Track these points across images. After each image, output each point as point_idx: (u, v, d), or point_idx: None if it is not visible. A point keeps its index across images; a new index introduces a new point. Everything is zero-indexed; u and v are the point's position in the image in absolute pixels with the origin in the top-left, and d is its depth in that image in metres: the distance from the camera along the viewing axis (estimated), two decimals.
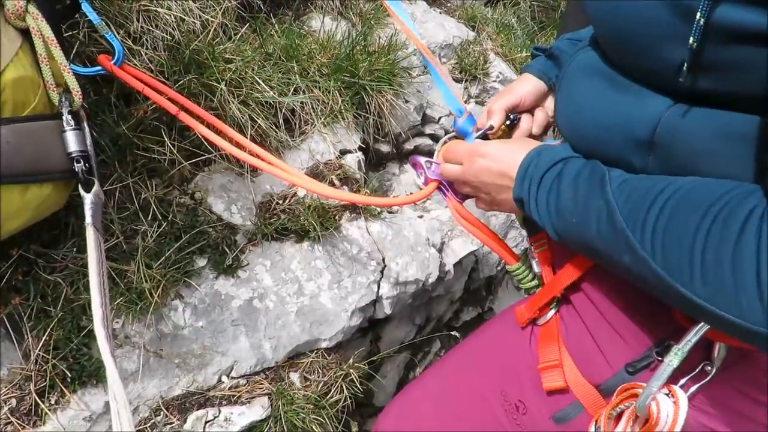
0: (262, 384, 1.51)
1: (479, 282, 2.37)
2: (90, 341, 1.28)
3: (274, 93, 1.65)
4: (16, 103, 0.96)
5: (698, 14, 0.59)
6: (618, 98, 0.76)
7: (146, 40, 1.44)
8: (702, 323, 0.73)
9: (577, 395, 0.89)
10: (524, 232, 2.43)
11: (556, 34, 3.16)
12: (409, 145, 2.17)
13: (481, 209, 1.06)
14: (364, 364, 1.73)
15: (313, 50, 1.85)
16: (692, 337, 0.74)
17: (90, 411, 1.26)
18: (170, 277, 1.40)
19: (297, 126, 1.78)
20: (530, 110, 1.13)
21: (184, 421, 1.38)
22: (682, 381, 0.77)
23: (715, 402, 0.79)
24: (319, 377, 1.59)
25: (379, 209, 1.83)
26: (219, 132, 1.32)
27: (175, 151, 1.46)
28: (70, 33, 1.30)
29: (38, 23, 0.98)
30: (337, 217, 1.72)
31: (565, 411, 0.91)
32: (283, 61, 1.75)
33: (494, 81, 2.55)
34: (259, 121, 1.62)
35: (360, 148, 1.90)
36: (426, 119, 2.22)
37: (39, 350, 1.23)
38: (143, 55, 1.43)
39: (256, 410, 1.45)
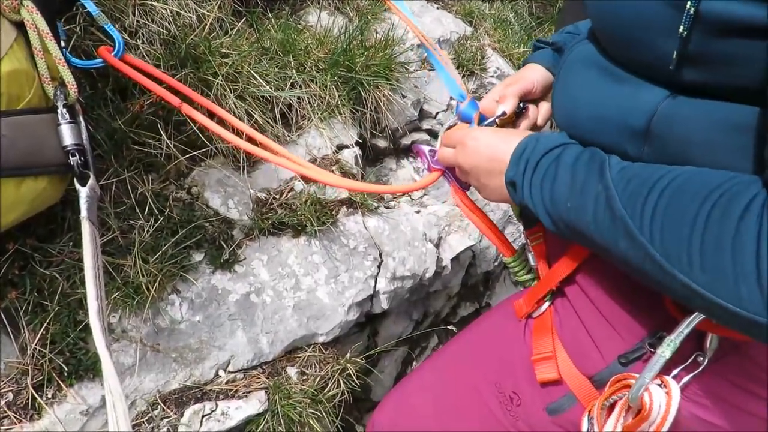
0: (259, 378, 1.51)
1: (476, 277, 2.38)
2: (87, 335, 1.28)
3: (271, 88, 1.65)
4: (10, 96, 0.95)
5: (689, 3, 0.59)
6: (615, 89, 0.76)
7: (142, 34, 1.44)
8: (694, 314, 0.73)
9: (570, 387, 0.89)
10: (521, 228, 2.44)
11: (553, 30, 3.16)
12: (406, 141, 2.17)
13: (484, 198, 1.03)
14: (362, 359, 1.73)
15: (310, 45, 1.85)
16: (684, 329, 0.74)
17: (87, 405, 1.26)
18: (167, 271, 1.40)
19: (294, 121, 1.78)
20: (537, 100, 1.12)
21: (181, 415, 1.38)
22: (675, 372, 0.77)
23: (708, 393, 0.79)
24: (316, 372, 1.60)
25: (376, 204, 1.84)
26: (222, 121, 1.32)
27: (171, 146, 1.46)
28: (67, 27, 1.30)
29: (33, 16, 0.98)
30: (334, 212, 1.72)
31: (559, 402, 0.91)
32: (279, 55, 1.75)
33: (492, 76, 2.55)
34: (255, 116, 1.62)
35: (357, 144, 1.90)
36: (423, 114, 2.22)
37: (36, 344, 1.23)
38: (140, 49, 1.43)
39: (253, 404, 1.46)
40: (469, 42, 2.57)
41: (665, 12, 0.63)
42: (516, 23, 3.07)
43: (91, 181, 1.06)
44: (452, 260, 1.96)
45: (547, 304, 0.98)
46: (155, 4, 1.46)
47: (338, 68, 1.82)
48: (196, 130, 1.48)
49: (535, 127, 1.10)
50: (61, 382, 1.25)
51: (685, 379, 0.77)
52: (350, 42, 1.88)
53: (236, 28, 1.71)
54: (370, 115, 1.94)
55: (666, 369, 0.76)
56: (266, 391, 1.49)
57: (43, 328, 1.24)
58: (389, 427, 1.25)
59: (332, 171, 1.77)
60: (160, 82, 1.31)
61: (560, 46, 1.10)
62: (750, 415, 0.80)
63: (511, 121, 1.10)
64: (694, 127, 0.67)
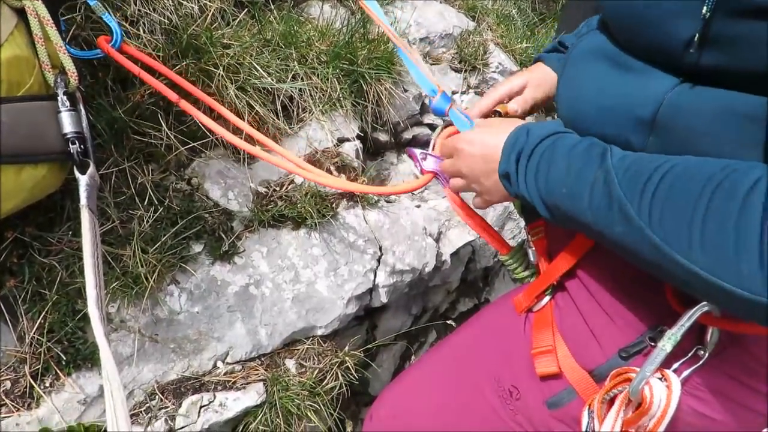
0: (257, 370, 1.51)
1: (476, 273, 2.38)
2: (85, 325, 1.28)
3: (272, 79, 1.64)
4: (10, 82, 0.95)
5: None
6: (621, 79, 0.76)
7: (143, 23, 1.43)
8: (696, 308, 0.73)
9: (570, 380, 0.89)
10: (521, 224, 2.44)
11: (556, 26, 3.15)
12: (407, 135, 2.17)
13: (479, 207, 1.04)
14: (360, 353, 1.74)
15: (312, 37, 1.84)
16: (686, 322, 0.74)
17: (84, 394, 1.26)
18: (166, 262, 1.40)
19: (295, 113, 1.77)
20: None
21: (179, 406, 1.38)
22: (675, 365, 0.77)
23: (708, 387, 0.79)
24: (314, 364, 1.60)
25: (376, 198, 1.83)
26: (220, 118, 1.32)
27: (171, 137, 1.46)
28: (68, 16, 1.29)
29: (34, 3, 0.97)
30: (334, 205, 1.72)
31: (559, 396, 0.91)
32: (281, 47, 1.74)
33: (494, 71, 2.54)
34: (257, 108, 1.61)
35: (358, 137, 1.89)
36: (425, 109, 2.21)
37: (34, 333, 1.23)
38: (141, 38, 1.42)
39: (251, 396, 1.46)
40: (471, 37, 2.56)
41: None
42: (519, 19, 3.06)
43: (91, 169, 1.05)
44: (452, 255, 1.96)
45: (547, 298, 0.98)
46: None
47: (340, 61, 1.82)
48: (197, 121, 1.47)
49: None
50: (59, 371, 1.25)
51: (686, 372, 0.77)
52: (352, 35, 1.87)
53: (238, 19, 1.70)
54: (372, 108, 1.93)
55: (666, 362, 0.76)
56: (264, 383, 1.49)
57: (41, 316, 1.24)
58: (388, 419, 1.26)
59: (333, 164, 1.76)
60: (159, 74, 1.30)
61: (568, 45, 1.11)
62: (749, 410, 0.80)
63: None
64: (700, 117, 0.67)
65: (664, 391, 0.75)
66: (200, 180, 1.54)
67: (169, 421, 1.36)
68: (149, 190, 1.42)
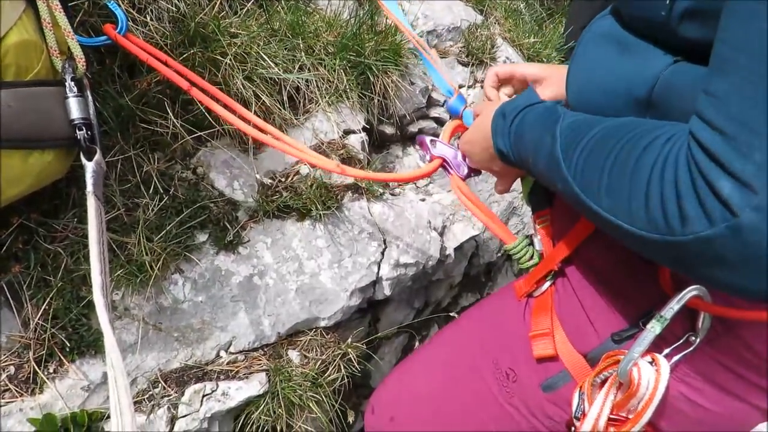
0: (260, 360, 1.51)
1: (479, 267, 2.37)
2: (89, 312, 1.28)
3: (279, 69, 1.64)
4: (18, 67, 0.95)
5: None
6: (624, 61, 0.77)
7: (151, 10, 1.43)
8: (685, 290, 0.74)
9: (565, 363, 0.90)
10: (525, 220, 2.43)
11: (564, 21, 3.13)
12: (413, 128, 2.16)
13: (500, 192, 1.12)
14: (363, 345, 1.74)
15: (320, 28, 1.83)
16: (674, 305, 0.74)
17: (88, 381, 1.27)
18: (171, 250, 1.40)
19: (301, 104, 1.77)
20: None
21: (182, 394, 1.38)
22: (666, 350, 0.78)
23: (699, 374, 0.79)
24: (317, 355, 1.60)
25: (381, 190, 1.83)
26: (227, 107, 1.32)
27: (178, 125, 1.45)
28: (76, 1, 1.29)
29: None
30: (339, 197, 1.72)
31: (554, 379, 0.92)
32: (288, 37, 1.74)
33: None
34: (263, 98, 1.61)
35: (364, 129, 1.89)
36: (431, 102, 2.21)
37: (38, 319, 1.24)
38: (148, 26, 1.42)
39: (254, 386, 1.46)
40: (479, 31, 2.54)
41: None
42: (527, 13, 3.04)
43: (98, 156, 1.05)
44: (455, 249, 1.96)
45: (548, 283, 0.99)
46: None
47: (347, 52, 1.81)
48: (203, 110, 1.47)
49: None
50: (62, 357, 1.25)
51: (676, 357, 0.78)
52: (360, 26, 1.86)
53: (246, 9, 1.69)
54: (378, 100, 1.93)
55: (658, 348, 0.77)
56: (267, 373, 1.50)
57: (46, 303, 1.24)
58: (390, 403, 1.27)
59: (338, 156, 1.76)
60: (163, 62, 1.30)
61: None
62: (746, 403, 0.80)
63: None
64: (690, 94, 0.66)
65: (652, 374, 0.75)
66: (206, 169, 1.54)
67: (172, 409, 1.36)
68: (155, 178, 1.41)
